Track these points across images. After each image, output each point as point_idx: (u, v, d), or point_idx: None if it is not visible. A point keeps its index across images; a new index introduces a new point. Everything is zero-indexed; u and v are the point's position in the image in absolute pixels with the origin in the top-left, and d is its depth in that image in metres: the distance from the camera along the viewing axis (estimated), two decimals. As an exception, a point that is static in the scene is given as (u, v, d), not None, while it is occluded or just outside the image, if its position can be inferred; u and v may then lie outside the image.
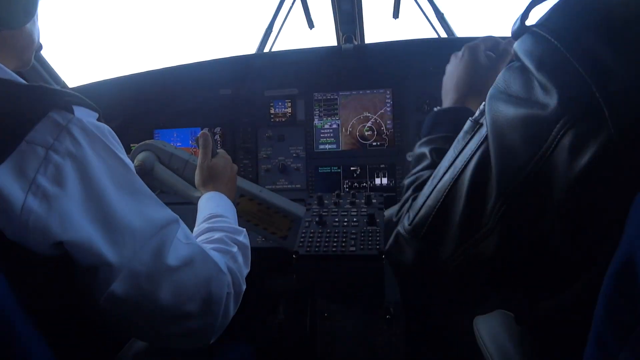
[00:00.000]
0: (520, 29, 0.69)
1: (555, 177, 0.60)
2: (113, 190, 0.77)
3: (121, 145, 0.86)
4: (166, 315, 0.83)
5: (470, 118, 0.81)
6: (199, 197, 1.45)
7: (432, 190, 0.82)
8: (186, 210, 2.23)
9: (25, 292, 0.69)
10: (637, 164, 0.51)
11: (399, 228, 0.89)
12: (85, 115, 0.78)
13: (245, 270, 1.13)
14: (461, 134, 0.82)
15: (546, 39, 0.62)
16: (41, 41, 1.00)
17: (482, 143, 0.73)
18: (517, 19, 0.71)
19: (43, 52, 1.94)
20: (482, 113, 0.76)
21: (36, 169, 0.69)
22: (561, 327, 0.69)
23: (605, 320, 0.45)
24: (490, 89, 0.75)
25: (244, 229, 1.23)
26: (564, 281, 0.64)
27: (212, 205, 1.30)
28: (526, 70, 0.66)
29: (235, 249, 1.10)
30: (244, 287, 1.07)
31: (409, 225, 0.85)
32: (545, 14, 0.67)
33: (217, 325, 0.95)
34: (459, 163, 0.78)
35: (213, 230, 1.17)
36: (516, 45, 0.70)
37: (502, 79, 0.73)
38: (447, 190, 0.78)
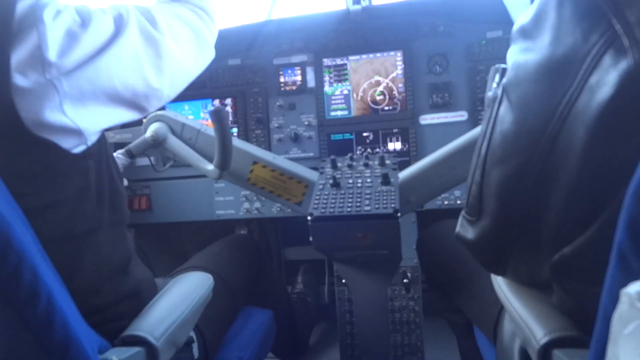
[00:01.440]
0: None
1: (579, 120, 0.58)
2: None
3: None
4: None
5: (489, 93, 0.80)
6: (212, 170, 1.45)
7: (475, 166, 0.81)
8: (199, 183, 2.26)
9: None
10: None
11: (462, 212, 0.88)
12: None
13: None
14: (486, 109, 0.81)
15: None
16: None
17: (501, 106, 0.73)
18: None
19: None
20: (499, 85, 0.75)
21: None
22: (584, 269, 0.68)
23: (628, 239, 0.44)
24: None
25: None
26: (587, 222, 0.63)
27: None
28: (543, 11, 0.64)
29: None
30: None
31: (466, 207, 0.85)
32: None
33: None
34: (488, 134, 0.76)
35: None
36: None
37: (520, 25, 0.70)
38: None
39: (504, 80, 0.73)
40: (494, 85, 0.79)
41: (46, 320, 0.64)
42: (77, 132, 0.87)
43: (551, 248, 0.70)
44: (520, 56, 0.69)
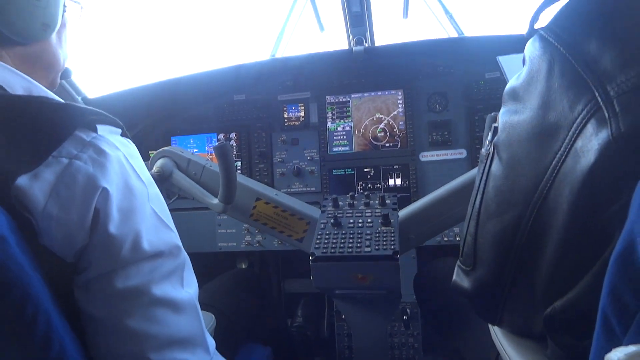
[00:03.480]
0: (530, 32, 0.72)
1: (566, 181, 0.62)
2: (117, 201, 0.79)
3: (141, 159, 0.89)
4: None
5: (482, 150, 0.84)
6: (216, 204, 1.48)
7: (469, 218, 0.84)
8: (203, 215, 2.29)
9: (60, 294, 0.72)
10: (635, 160, 0.53)
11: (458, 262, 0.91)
12: (109, 132, 0.83)
13: None
14: (479, 164, 0.85)
15: (552, 44, 0.64)
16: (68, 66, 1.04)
17: (491, 162, 0.76)
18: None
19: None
20: (490, 142, 0.79)
21: (58, 176, 0.73)
22: (574, 323, 0.70)
23: (610, 304, 0.46)
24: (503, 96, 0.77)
25: None
26: (576, 277, 0.66)
27: None
28: (534, 78, 0.68)
29: None
30: None
31: (460, 256, 0.87)
32: (553, 17, 0.69)
33: None
34: (481, 188, 0.80)
35: None
36: (526, 50, 0.72)
37: (512, 88, 0.75)
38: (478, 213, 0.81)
39: (495, 138, 0.77)
40: (487, 142, 0.83)
41: None
42: None
43: (544, 301, 0.72)
44: (510, 117, 0.73)
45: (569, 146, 0.61)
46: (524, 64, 0.74)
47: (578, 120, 0.60)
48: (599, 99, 0.57)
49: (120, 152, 0.81)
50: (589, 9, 0.65)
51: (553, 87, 0.64)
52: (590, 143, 0.58)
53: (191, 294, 0.87)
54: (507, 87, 0.76)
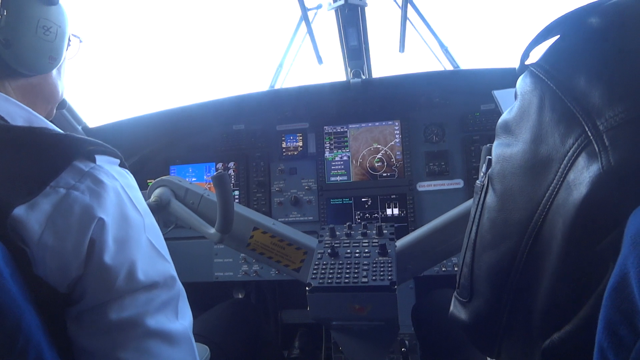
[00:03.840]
0: (521, 68, 0.74)
1: (559, 214, 0.62)
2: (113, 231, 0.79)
3: (138, 190, 0.89)
4: None
5: (477, 181, 0.85)
6: (213, 233, 1.48)
7: (465, 249, 0.85)
8: (200, 244, 2.28)
9: (53, 325, 0.72)
10: (626, 193, 0.54)
11: (455, 293, 0.91)
12: (107, 162, 0.83)
13: None
14: (475, 196, 0.86)
15: (542, 80, 0.66)
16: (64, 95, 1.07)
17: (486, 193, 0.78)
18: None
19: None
20: (485, 174, 0.80)
21: (55, 206, 0.73)
22: (572, 356, 0.69)
23: (606, 338, 0.46)
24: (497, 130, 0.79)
25: None
26: (573, 310, 0.66)
27: None
28: (526, 112, 0.70)
29: None
30: None
31: (457, 288, 0.87)
32: (543, 54, 0.71)
33: None
34: (476, 219, 0.81)
35: None
36: (517, 85, 0.74)
37: (504, 121, 0.76)
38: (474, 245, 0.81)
39: (490, 170, 0.78)
40: (481, 174, 0.84)
41: None
42: None
43: (542, 333, 0.72)
44: (503, 150, 0.75)
45: (562, 179, 0.62)
46: (515, 98, 0.76)
47: (569, 153, 0.61)
48: (589, 133, 0.58)
49: (118, 182, 0.81)
50: (577, 46, 0.67)
51: (544, 121, 0.65)
52: (582, 176, 0.59)
53: (185, 325, 0.86)
54: (500, 120, 0.78)
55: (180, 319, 0.85)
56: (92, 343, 0.75)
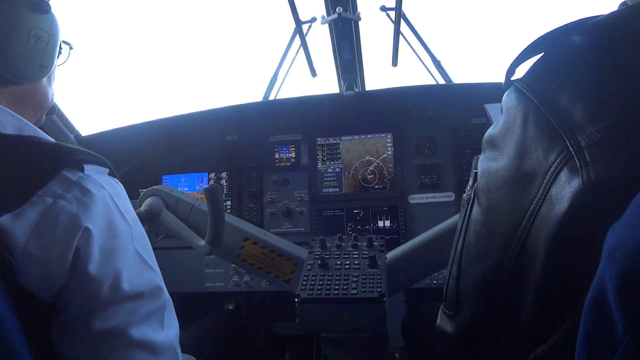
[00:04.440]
0: (506, 84, 0.75)
1: (542, 227, 0.63)
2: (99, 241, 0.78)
3: (127, 199, 0.89)
4: None
5: (464, 195, 0.86)
6: (203, 245, 1.48)
7: (452, 262, 0.85)
8: (191, 254, 2.27)
9: (37, 335, 0.71)
10: (605, 208, 0.55)
11: (441, 306, 0.92)
12: (96, 172, 0.83)
13: None
14: (461, 209, 0.87)
15: (526, 96, 0.68)
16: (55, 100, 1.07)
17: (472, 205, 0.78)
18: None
19: (58, 101, 2.03)
20: (471, 188, 0.81)
21: (41, 215, 0.73)
22: None
23: (586, 351, 0.47)
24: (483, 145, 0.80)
25: None
26: (557, 323, 0.66)
27: None
28: (511, 127, 0.71)
29: None
30: None
31: (444, 300, 0.88)
32: (527, 70, 0.73)
33: None
34: (462, 232, 0.82)
35: None
36: (503, 100, 0.75)
37: (490, 135, 0.78)
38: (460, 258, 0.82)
39: (475, 184, 0.79)
40: (468, 187, 0.85)
41: None
42: None
43: (526, 346, 0.72)
44: (489, 164, 0.76)
45: (544, 193, 0.63)
46: (501, 113, 0.77)
47: (552, 168, 0.62)
48: (571, 149, 0.59)
49: (107, 191, 0.81)
50: (561, 63, 0.69)
51: (528, 136, 0.67)
52: (564, 190, 0.60)
53: (171, 336, 0.85)
54: (486, 134, 0.79)
55: (166, 330, 0.85)
56: (76, 353, 0.75)
